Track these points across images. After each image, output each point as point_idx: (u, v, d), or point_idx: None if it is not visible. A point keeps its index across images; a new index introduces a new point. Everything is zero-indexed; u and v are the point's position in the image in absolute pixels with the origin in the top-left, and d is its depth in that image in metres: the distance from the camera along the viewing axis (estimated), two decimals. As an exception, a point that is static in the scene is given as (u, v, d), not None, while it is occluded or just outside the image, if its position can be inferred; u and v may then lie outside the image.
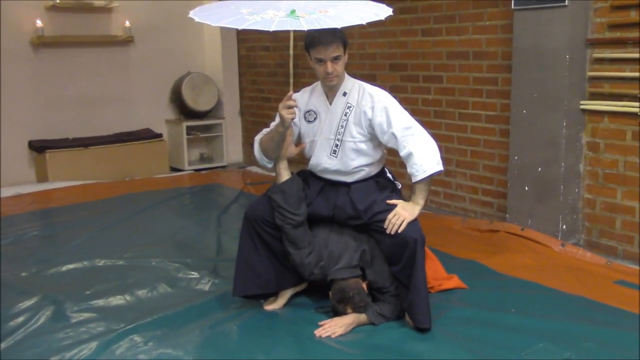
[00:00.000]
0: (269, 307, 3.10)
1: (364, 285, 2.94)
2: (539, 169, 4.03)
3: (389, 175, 3.09)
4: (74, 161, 5.92)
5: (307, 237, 2.95)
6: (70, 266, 3.72)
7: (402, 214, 2.79)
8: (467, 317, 2.96)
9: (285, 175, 2.95)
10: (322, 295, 3.16)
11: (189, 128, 6.64)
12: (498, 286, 3.39)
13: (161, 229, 4.50)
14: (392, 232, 2.78)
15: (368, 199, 2.89)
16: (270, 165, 3.04)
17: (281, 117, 2.80)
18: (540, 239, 4.02)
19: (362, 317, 2.92)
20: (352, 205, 2.91)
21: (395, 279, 2.91)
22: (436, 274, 3.32)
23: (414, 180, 2.83)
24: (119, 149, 6.19)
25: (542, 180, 4.03)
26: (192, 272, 3.57)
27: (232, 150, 6.92)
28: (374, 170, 3.00)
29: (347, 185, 2.95)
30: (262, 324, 2.93)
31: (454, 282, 3.35)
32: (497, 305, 3.10)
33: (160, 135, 6.52)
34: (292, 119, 2.81)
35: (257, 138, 3.07)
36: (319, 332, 2.83)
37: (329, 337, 2.80)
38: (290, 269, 3.03)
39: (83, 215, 4.90)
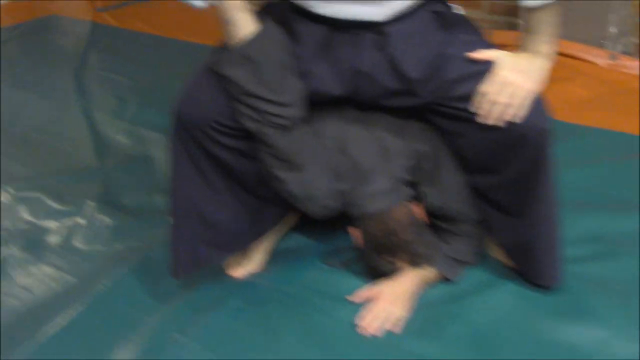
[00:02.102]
0: (239, 271, 1.66)
1: (420, 213, 1.55)
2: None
3: None
4: None
5: (310, 145, 1.44)
6: None
7: (514, 81, 1.33)
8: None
9: (246, 21, 1.34)
10: (324, 226, 1.75)
11: None
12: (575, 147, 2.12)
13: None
14: (494, 121, 1.34)
15: (428, 53, 1.38)
16: (200, 3, 1.40)
17: None
18: (579, 53, 2.73)
19: (428, 272, 1.57)
20: (395, 70, 1.39)
21: (480, 198, 1.54)
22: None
23: (529, 4, 1.34)
24: None
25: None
26: (56, 211, 1.98)
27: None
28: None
29: (377, 28, 1.38)
30: (242, 323, 1.50)
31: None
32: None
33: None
34: None
35: None
36: (368, 327, 1.46)
37: (390, 333, 1.45)
38: (270, 199, 1.56)
39: None
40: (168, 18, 3.80)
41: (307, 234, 1.78)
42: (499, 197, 1.49)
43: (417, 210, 1.55)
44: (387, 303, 1.50)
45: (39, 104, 2.70)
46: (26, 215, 1.93)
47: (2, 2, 4.31)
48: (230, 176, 1.49)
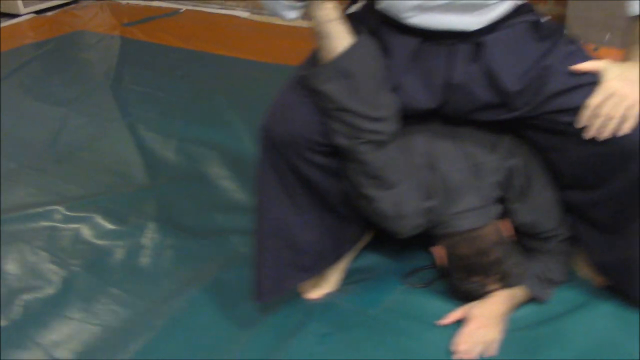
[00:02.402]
0: (315, 293, 1.59)
1: (508, 230, 1.49)
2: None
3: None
4: None
5: (401, 161, 1.38)
6: None
7: (623, 91, 1.26)
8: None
9: (342, 33, 1.28)
10: (396, 244, 1.69)
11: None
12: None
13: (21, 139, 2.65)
14: (600, 134, 1.28)
15: (527, 64, 1.32)
16: (293, 15, 1.35)
17: None
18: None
19: (518, 292, 1.50)
20: (491, 82, 1.33)
21: (574, 214, 1.47)
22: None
23: (636, 11, 1.28)
24: None
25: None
26: (114, 231, 1.91)
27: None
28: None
29: (471, 38, 1.33)
30: (328, 348, 1.43)
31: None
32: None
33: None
34: None
35: None
36: (463, 352, 1.39)
37: (485, 357, 1.38)
38: (349, 219, 1.50)
39: None
40: (196, 31, 3.76)
41: (380, 252, 1.71)
42: (597, 214, 1.42)
43: (505, 228, 1.49)
44: (480, 326, 1.43)
45: (80, 121, 2.63)
46: (84, 236, 1.87)
47: (25, 17, 4.28)
48: (316, 196, 1.43)
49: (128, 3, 4.40)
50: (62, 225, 1.92)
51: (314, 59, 1.33)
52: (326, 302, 1.57)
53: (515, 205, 1.48)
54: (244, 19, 3.87)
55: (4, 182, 2.18)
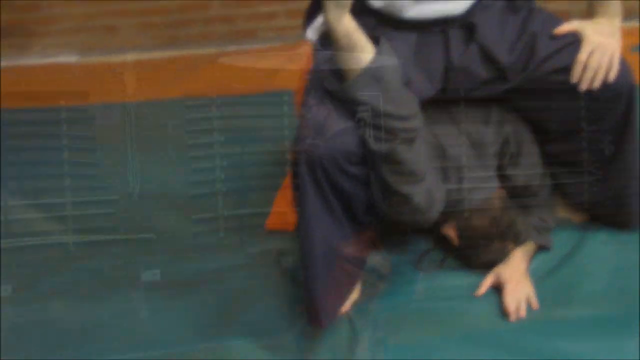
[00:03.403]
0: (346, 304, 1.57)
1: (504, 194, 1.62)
2: None
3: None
4: None
5: (424, 153, 1.43)
6: None
7: (604, 44, 1.43)
8: None
9: (366, 41, 1.28)
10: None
11: None
12: None
13: None
14: (592, 85, 1.44)
15: (514, 36, 1.45)
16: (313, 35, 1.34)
17: None
18: None
19: (529, 246, 1.63)
20: (487, 59, 1.43)
21: (559, 164, 1.63)
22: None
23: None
24: None
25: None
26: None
27: None
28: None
29: (461, 21, 1.41)
30: (393, 351, 1.44)
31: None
32: None
33: None
34: None
35: None
36: (513, 312, 1.47)
37: (531, 310, 1.48)
38: (366, 225, 1.52)
39: None
40: (21, 89, 3.40)
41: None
42: (579, 159, 1.58)
43: (503, 192, 1.61)
44: (515, 285, 1.52)
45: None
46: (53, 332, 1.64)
47: None
48: (347, 207, 1.42)
49: None
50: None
51: (332, 73, 1.32)
52: (360, 309, 1.55)
53: (511, 170, 1.60)
54: (73, 64, 3.58)
55: None
